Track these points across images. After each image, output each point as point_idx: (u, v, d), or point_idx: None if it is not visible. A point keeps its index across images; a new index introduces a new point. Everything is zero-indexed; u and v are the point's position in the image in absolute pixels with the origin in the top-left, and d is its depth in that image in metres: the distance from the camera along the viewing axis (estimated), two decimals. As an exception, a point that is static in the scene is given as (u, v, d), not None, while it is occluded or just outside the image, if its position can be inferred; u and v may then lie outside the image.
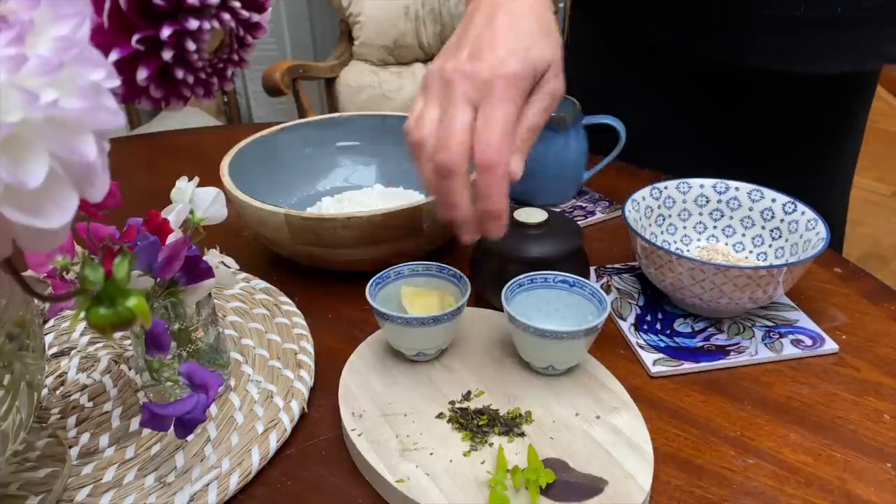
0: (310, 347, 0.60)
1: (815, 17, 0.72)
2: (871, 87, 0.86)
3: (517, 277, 0.57)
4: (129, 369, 0.58)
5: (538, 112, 0.49)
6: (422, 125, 0.47)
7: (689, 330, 0.62)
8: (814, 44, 0.75)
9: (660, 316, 0.64)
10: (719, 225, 0.70)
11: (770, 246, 0.67)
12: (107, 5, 0.32)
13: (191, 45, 0.35)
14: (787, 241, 0.65)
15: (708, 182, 0.70)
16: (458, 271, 0.58)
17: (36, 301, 0.43)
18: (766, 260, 0.67)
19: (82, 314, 0.29)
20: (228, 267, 0.54)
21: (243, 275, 0.70)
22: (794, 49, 0.76)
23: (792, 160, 0.85)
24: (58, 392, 0.56)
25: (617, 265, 0.71)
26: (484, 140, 0.45)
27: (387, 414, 0.51)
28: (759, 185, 0.68)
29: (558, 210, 0.77)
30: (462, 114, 0.45)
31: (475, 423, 0.50)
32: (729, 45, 0.77)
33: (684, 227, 0.70)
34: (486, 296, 0.63)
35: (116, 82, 0.25)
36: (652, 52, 0.85)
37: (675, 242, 0.70)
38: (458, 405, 0.52)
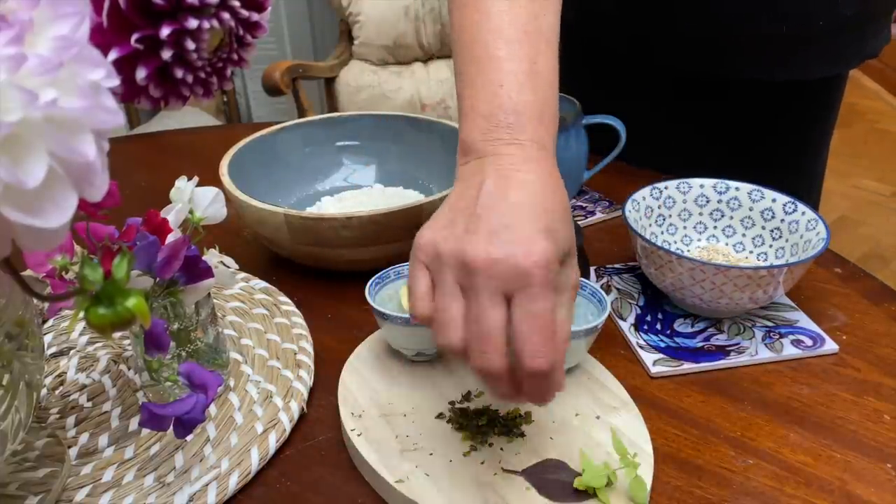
0: (309, 347, 0.60)
1: (799, 31, 0.73)
2: (843, 82, 0.88)
3: (517, 277, 0.57)
4: (129, 369, 0.58)
5: (568, 315, 0.41)
6: (449, 323, 0.39)
7: (689, 330, 0.62)
8: (797, 54, 0.77)
9: (660, 316, 0.64)
10: (719, 225, 0.70)
11: (770, 246, 0.67)
12: (106, 4, 0.32)
13: (190, 45, 0.35)
14: (787, 241, 0.65)
15: (708, 182, 0.70)
16: None
17: (35, 301, 0.43)
18: (766, 260, 0.67)
19: (81, 314, 0.28)
20: (228, 267, 0.54)
21: (243, 275, 0.70)
22: (779, 61, 0.78)
23: (772, 157, 0.87)
24: (57, 392, 0.56)
25: (617, 265, 0.71)
26: (531, 342, 0.38)
27: (386, 414, 0.51)
28: (757, 184, 0.68)
29: (558, 210, 0.77)
30: (497, 310, 0.38)
31: (475, 424, 0.50)
32: (714, 59, 0.80)
33: (684, 227, 0.70)
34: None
35: (116, 82, 0.25)
36: (629, 63, 0.86)
37: (676, 242, 0.70)
38: (457, 405, 0.52)
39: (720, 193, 0.69)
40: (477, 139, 0.45)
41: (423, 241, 0.42)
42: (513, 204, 0.41)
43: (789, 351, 0.59)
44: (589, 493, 0.45)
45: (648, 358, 0.58)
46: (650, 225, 0.68)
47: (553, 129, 0.47)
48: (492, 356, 0.38)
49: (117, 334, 0.60)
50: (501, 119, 0.45)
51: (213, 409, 0.53)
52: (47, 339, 0.62)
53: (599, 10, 0.83)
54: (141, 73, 0.34)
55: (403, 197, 0.81)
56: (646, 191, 0.68)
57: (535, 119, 0.45)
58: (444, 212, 0.43)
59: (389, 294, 0.58)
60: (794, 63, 0.78)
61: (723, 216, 0.70)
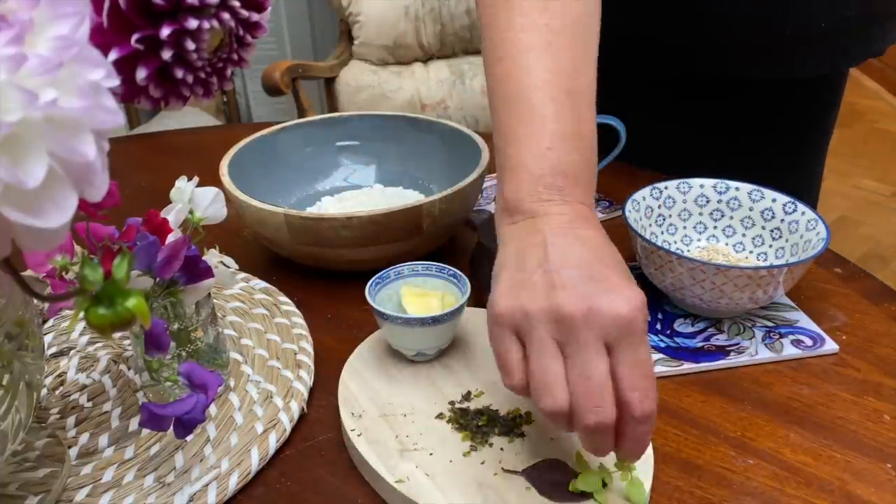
0: (309, 347, 0.60)
1: (800, 33, 0.73)
2: (844, 79, 0.88)
3: (517, 277, 0.57)
4: (129, 369, 0.58)
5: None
6: (553, 385, 0.39)
7: (689, 330, 0.62)
8: (799, 54, 0.77)
9: (660, 316, 0.64)
10: (719, 225, 0.70)
11: (770, 246, 0.67)
12: (106, 4, 0.32)
13: (190, 45, 0.35)
14: (787, 241, 0.65)
15: (708, 182, 0.70)
16: (458, 271, 0.58)
17: (35, 301, 0.43)
18: (766, 260, 0.67)
19: (81, 314, 0.28)
20: (228, 267, 0.54)
21: (243, 275, 0.70)
22: (781, 61, 0.78)
23: (772, 156, 0.87)
24: (57, 392, 0.56)
25: (617, 265, 0.71)
26: (641, 389, 0.38)
27: (386, 414, 0.51)
28: (757, 184, 0.68)
29: (558, 210, 0.77)
30: (601, 361, 0.38)
31: (475, 424, 0.50)
32: (716, 61, 0.80)
33: (684, 227, 0.70)
34: (486, 296, 0.63)
35: (116, 82, 0.25)
36: (630, 63, 0.86)
37: (676, 242, 0.70)
38: (458, 405, 0.52)
39: (720, 193, 0.69)
40: (524, 199, 0.45)
41: (503, 307, 0.41)
42: (588, 256, 0.40)
43: (789, 351, 0.59)
44: (587, 493, 0.45)
45: (648, 358, 0.58)
46: (650, 225, 0.68)
47: (594, 188, 0.47)
48: (607, 410, 0.38)
49: (117, 334, 0.60)
50: (550, 181, 0.44)
51: (213, 409, 0.53)
52: (47, 339, 0.62)
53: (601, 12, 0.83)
54: (141, 74, 0.34)
55: (403, 197, 0.81)
56: (646, 191, 0.68)
57: (583, 180, 0.46)
58: (511, 275, 0.42)
59: (389, 294, 0.58)
60: (795, 62, 0.78)
61: (723, 216, 0.70)
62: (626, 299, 0.38)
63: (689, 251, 0.70)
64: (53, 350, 0.60)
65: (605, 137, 0.82)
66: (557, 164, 0.45)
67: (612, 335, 0.38)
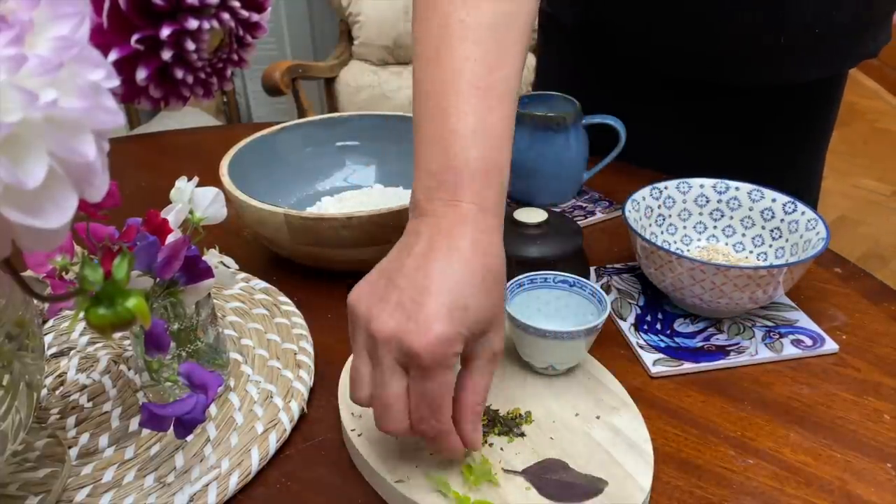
0: (309, 347, 0.60)
1: (796, 41, 0.74)
2: (843, 80, 0.89)
3: (517, 277, 0.57)
4: (129, 369, 0.58)
5: (482, 379, 0.43)
6: (358, 381, 0.43)
7: (689, 330, 0.62)
8: (794, 61, 0.78)
9: (660, 316, 0.64)
10: (719, 225, 0.70)
11: (770, 246, 0.67)
12: (106, 5, 0.32)
13: (190, 45, 0.35)
14: (787, 241, 0.65)
15: (708, 182, 0.70)
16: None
17: (35, 301, 0.43)
18: (766, 260, 0.67)
19: (82, 314, 0.28)
20: (228, 267, 0.54)
21: (243, 275, 0.70)
22: (780, 68, 0.78)
23: (772, 156, 0.88)
24: (57, 392, 0.56)
25: (617, 265, 0.71)
26: (416, 415, 0.41)
27: (386, 414, 0.51)
28: (757, 184, 0.68)
29: (558, 210, 0.77)
30: (395, 381, 0.41)
31: (475, 424, 0.50)
32: (713, 69, 0.80)
33: (684, 227, 0.70)
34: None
35: (116, 82, 0.25)
36: (630, 64, 0.86)
37: (676, 242, 0.70)
38: (457, 405, 0.52)
39: (720, 193, 0.69)
40: (420, 198, 0.45)
41: (352, 296, 0.43)
42: (429, 276, 0.41)
43: (789, 351, 0.59)
44: (592, 492, 0.45)
45: (648, 358, 0.58)
46: (650, 225, 0.68)
47: (499, 186, 0.46)
48: (389, 421, 0.42)
49: (117, 335, 0.60)
50: (442, 179, 0.45)
51: (213, 409, 0.53)
52: (48, 339, 0.62)
53: (600, 21, 0.84)
54: (141, 74, 0.34)
55: (403, 197, 0.81)
56: (646, 191, 0.68)
57: (477, 178, 0.45)
58: (376, 269, 0.44)
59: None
60: (791, 68, 0.79)
61: (723, 216, 0.70)
62: (421, 333, 0.39)
63: (689, 251, 0.70)
64: (53, 350, 0.60)
65: (605, 137, 0.82)
66: (452, 160, 0.45)
67: (403, 361, 0.41)
